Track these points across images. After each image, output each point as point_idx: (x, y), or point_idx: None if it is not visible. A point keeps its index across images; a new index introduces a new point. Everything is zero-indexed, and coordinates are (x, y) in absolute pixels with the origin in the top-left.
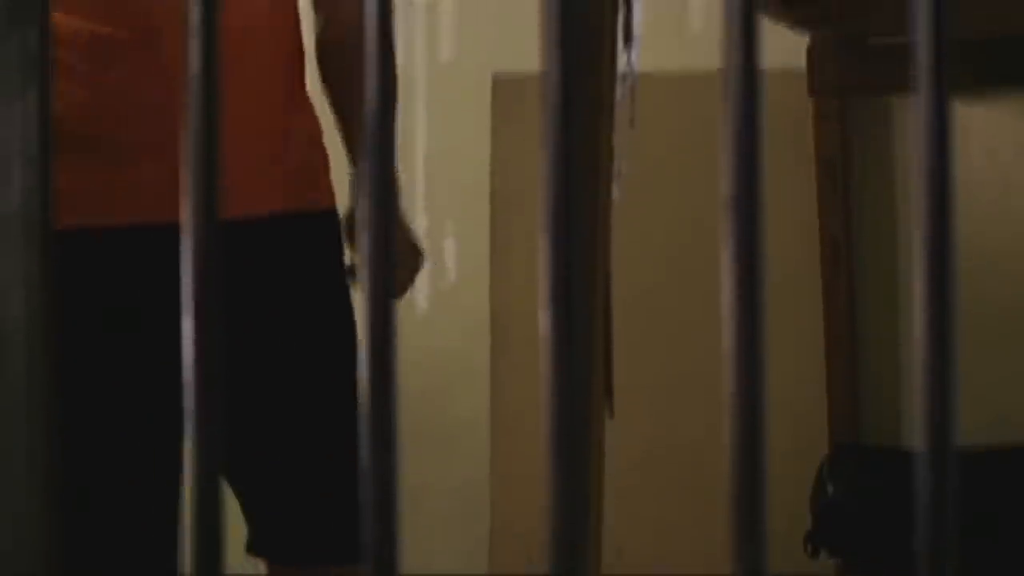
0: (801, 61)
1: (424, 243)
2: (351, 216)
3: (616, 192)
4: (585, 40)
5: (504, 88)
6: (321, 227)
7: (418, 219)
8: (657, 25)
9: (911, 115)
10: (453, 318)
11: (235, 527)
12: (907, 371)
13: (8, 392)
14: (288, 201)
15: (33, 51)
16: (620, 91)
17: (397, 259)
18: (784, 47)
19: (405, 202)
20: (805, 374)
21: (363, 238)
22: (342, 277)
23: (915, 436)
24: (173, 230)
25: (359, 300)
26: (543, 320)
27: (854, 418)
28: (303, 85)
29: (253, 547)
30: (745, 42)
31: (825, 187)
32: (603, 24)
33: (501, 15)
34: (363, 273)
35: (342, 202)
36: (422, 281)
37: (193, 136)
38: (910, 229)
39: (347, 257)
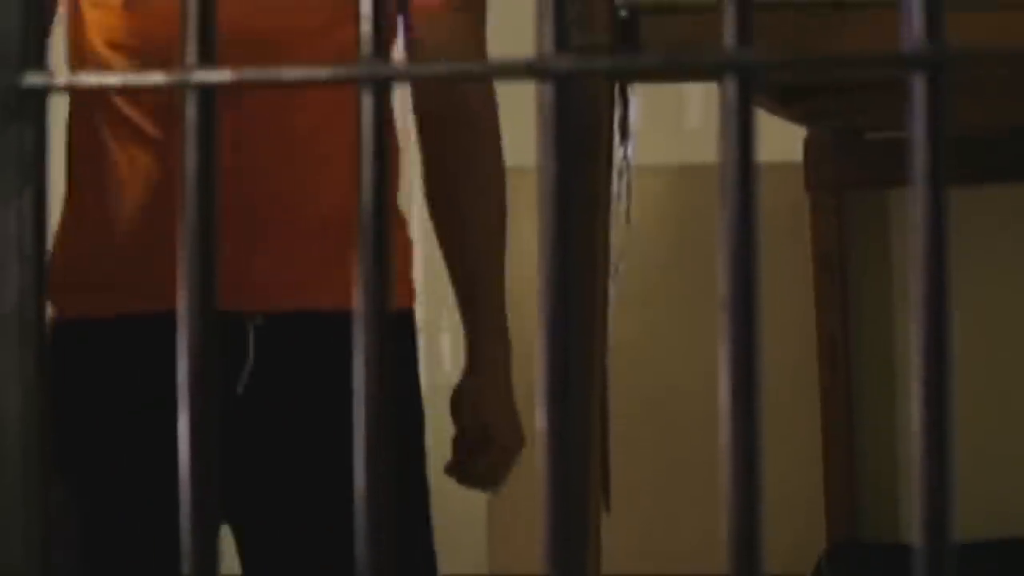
0: (798, 154)
1: (422, 338)
2: (459, 392)
3: (613, 290)
4: (582, 136)
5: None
6: (396, 328)
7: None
8: (655, 120)
9: (908, 211)
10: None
11: None
12: (905, 467)
13: (4, 488)
14: (342, 303)
15: (29, 149)
16: (616, 186)
17: (495, 441)
18: (781, 140)
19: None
20: (803, 470)
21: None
22: (415, 380)
23: (913, 532)
24: (240, 317)
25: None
26: (540, 416)
27: (852, 514)
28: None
29: None
30: (742, 137)
31: (822, 282)
32: (600, 120)
33: (515, 112)
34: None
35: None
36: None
37: (190, 234)
38: (907, 324)
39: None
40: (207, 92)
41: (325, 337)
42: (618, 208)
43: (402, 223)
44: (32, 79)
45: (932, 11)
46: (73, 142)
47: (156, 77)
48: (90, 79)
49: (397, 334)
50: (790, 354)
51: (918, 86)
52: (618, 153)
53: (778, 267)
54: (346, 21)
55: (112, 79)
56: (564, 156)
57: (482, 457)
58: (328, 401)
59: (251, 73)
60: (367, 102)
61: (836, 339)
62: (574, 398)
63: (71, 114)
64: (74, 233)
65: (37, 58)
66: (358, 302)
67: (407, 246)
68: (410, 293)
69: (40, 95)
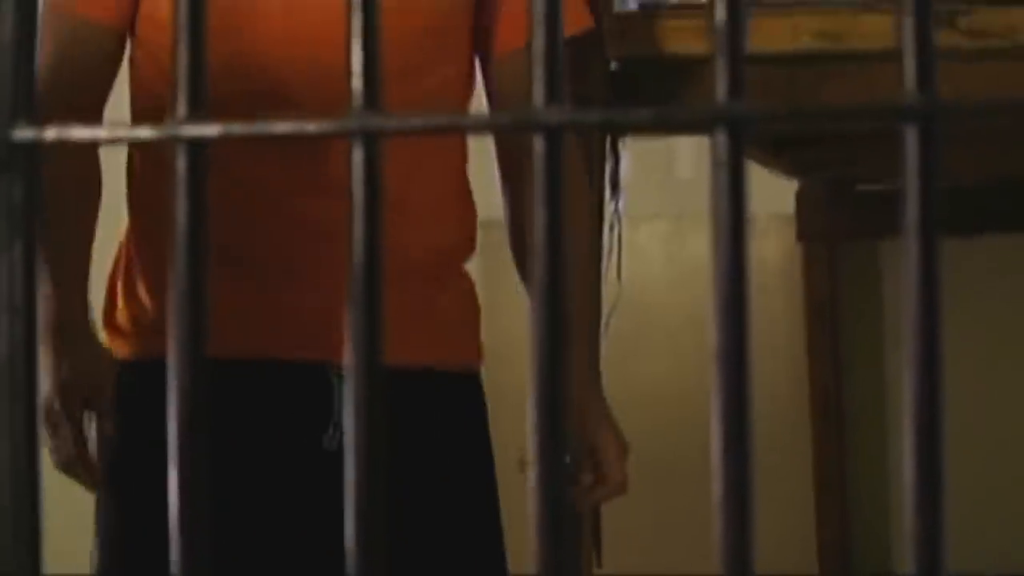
0: (790, 206)
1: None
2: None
3: (604, 344)
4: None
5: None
6: (471, 391)
7: None
8: (646, 172)
9: (900, 262)
10: None
11: None
12: (897, 517)
13: None
14: (441, 357)
15: (19, 203)
16: (607, 239)
17: (600, 455)
18: (773, 191)
19: None
20: (795, 519)
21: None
22: (487, 445)
23: None
24: (325, 370)
25: None
26: (532, 472)
27: (845, 563)
28: (471, 242)
29: None
30: (733, 190)
31: (815, 332)
32: (591, 172)
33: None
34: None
35: None
36: None
37: (179, 287)
38: (899, 374)
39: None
40: (197, 146)
41: (413, 394)
42: (609, 260)
43: (470, 283)
44: (22, 133)
45: (924, 63)
46: (147, 177)
47: (145, 131)
48: (81, 132)
49: (474, 395)
50: (782, 404)
51: (910, 137)
52: (609, 206)
53: (770, 317)
54: (441, 62)
55: (101, 132)
56: (555, 207)
57: (587, 475)
58: (419, 462)
59: (241, 127)
60: (358, 155)
61: (828, 389)
62: (565, 449)
63: (140, 147)
64: (153, 274)
65: (27, 111)
66: (351, 356)
67: (477, 306)
68: (481, 353)
69: (30, 148)
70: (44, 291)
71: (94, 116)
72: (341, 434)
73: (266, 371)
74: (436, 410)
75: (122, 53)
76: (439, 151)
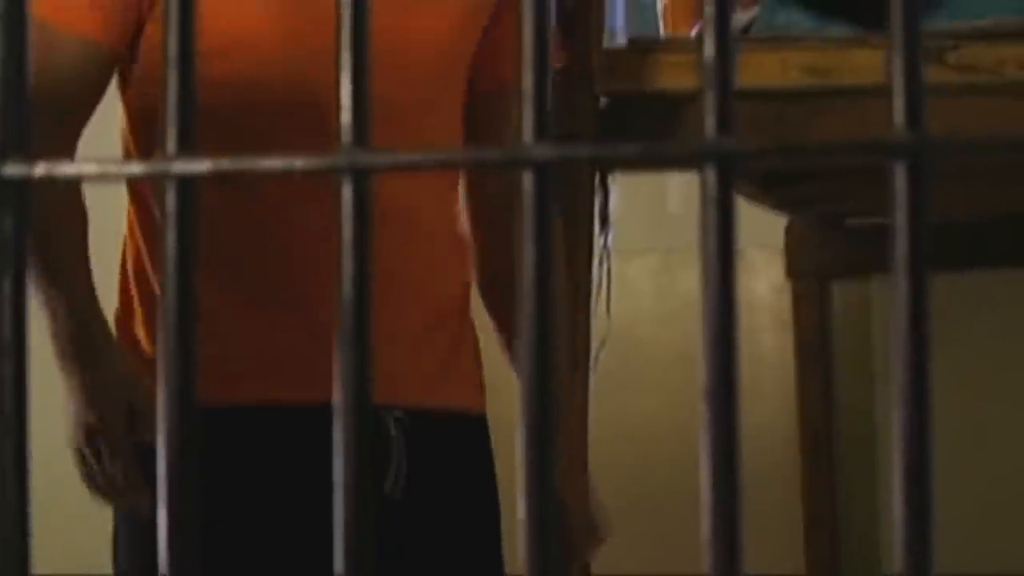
0: (780, 240)
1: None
2: None
3: (593, 380)
4: (562, 224)
5: None
6: (483, 433)
7: None
8: (636, 206)
9: (890, 298)
10: None
11: None
12: (888, 558)
13: None
14: (463, 401)
15: (8, 238)
16: (597, 274)
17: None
18: (763, 226)
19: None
20: (785, 561)
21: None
22: (496, 489)
23: None
24: (379, 413)
25: None
26: (521, 506)
27: None
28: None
29: None
30: (722, 226)
31: (805, 369)
32: (580, 207)
33: None
34: None
35: None
36: None
37: (170, 326)
38: (890, 411)
39: None
40: (186, 182)
41: (460, 438)
42: (599, 295)
43: (472, 324)
44: (11, 169)
45: (913, 98)
46: (220, 221)
47: (135, 167)
48: (69, 168)
49: (483, 439)
50: (772, 440)
51: (899, 174)
52: (598, 241)
53: (760, 353)
54: (448, 98)
55: (91, 168)
56: (545, 244)
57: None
58: (474, 508)
59: (229, 163)
60: (347, 192)
61: (818, 425)
62: (555, 487)
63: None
64: (243, 319)
65: (17, 146)
66: (339, 396)
67: (479, 348)
68: (484, 396)
69: (20, 185)
70: (57, 307)
71: (70, 140)
72: (405, 480)
73: (326, 417)
74: (464, 453)
75: (109, 76)
76: (453, 188)
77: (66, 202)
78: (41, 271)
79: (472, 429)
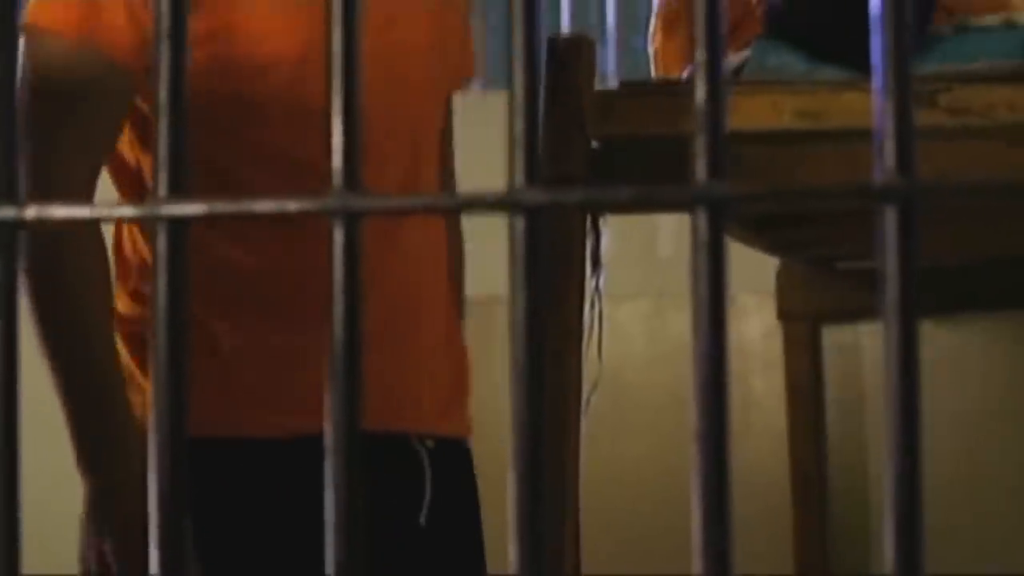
0: (771, 284)
1: None
2: None
3: (584, 423)
4: (553, 267)
5: (472, 309)
6: (471, 460)
7: None
8: (627, 249)
9: (880, 342)
10: None
11: None
12: None
13: None
14: (464, 426)
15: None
16: (588, 317)
17: None
18: (754, 270)
19: None
20: None
21: None
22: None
23: None
24: (407, 440)
25: None
26: (513, 551)
27: None
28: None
29: None
30: (714, 270)
31: (795, 414)
32: (571, 251)
33: (471, 238)
34: None
35: None
36: None
37: (160, 368)
38: (881, 456)
39: None
40: (177, 225)
41: (464, 465)
42: (590, 339)
43: (464, 347)
44: (1, 212)
45: (903, 142)
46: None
47: (127, 210)
48: (60, 211)
49: (469, 467)
50: (763, 484)
51: (889, 218)
52: (589, 284)
53: (751, 396)
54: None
55: (83, 211)
56: (536, 288)
57: None
58: (472, 537)
59: (222, 205)
60: (338, 235)
61: (809, 469)
62: (546, 534)
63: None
64: (264, 352)
65: (7, 190)
66: (329, 431)
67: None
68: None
69: (10, 228)
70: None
71: (94, 168)
72: (438, 509)
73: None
74: (467, 480)
75: (128, 105)
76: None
77: (89, 251)
78: (62, 342)
79: (467, 455)
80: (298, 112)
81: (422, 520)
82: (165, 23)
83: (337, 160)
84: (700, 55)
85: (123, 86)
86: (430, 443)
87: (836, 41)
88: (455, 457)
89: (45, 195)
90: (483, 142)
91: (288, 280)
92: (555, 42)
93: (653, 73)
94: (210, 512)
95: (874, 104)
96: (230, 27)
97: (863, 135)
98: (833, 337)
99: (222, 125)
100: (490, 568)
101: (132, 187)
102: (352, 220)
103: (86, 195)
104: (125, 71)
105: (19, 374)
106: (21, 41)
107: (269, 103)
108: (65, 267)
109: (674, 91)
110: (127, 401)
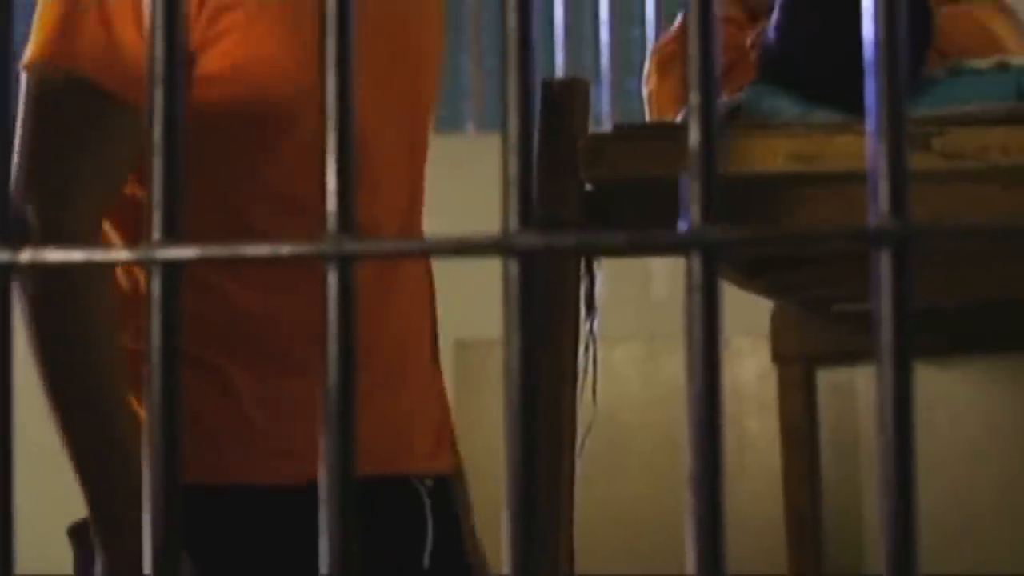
0: (765, 327)
1: None
2: None
3: (579, 465)
4: (547, 310)
5: (467, 352)
6: (454, 494)
7: None
8: (621, 292)
9: (874, 385)
10: None
11: None
12: None
13: None
14: (450, 462)
15: None
16: (582, 360)
17: None
18: (748, 312)
19: None
20: None
21: None
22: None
23: None
24: (408, 481)
25: None
26: None
27: None
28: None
29: None
30: (708, 313)
31: (790, 457)
32: (565, 294)
33: (465, 281)
34: None
35: None
36: None
37: (154, 413)
38: (875, 498)
39: None
40: (172, 268)
41: (452, 501)
42: (584, 381)
43: (441, 379)
44: None
45: (897, 185)
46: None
47: (121, 253)
48: (55, 255)
49: (457, 505)
50: (758, 526)
51: (883, 261)
52: (584, 326)
53: (746, 438)
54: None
55: (77, 255)
56: (530, 332)
57: None
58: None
59: (216, 249)
60: (332, 279)
61: (804, 511)
62: (540, 571)
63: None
64: (276, 400)
65: (1, 231)
66: (323, 477)
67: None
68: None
69: (4, 272)
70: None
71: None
72: (440, 550)
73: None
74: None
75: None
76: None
77: (99, 293)
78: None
79: (455, 493)
80: (306, 152)
81: (426, 562)
82: (159, 68)
83: (331, 203)
84: (694, 98)
85: (135, 122)
86: (428, 482)
87: (830, 84)
88: (448, 495)
89: (56, 226)
90: (476, 185)
91: (303, 325)
92: (550, 85)
93: (647, 115)
94: (229, 560)
95: (868, 147)
96: (240, 67)
97: (857, 178)
98: (828, 379)
99: (232, 165)
100: None
101: (125, 214)
102: (346, 263)
103: (94, 229)
104: (137, 107)
105: (14, 417)
106: (32, 75)
107: (278, 143)
108: (76, 302)
109: (667, 134)
110: (138, 449)
